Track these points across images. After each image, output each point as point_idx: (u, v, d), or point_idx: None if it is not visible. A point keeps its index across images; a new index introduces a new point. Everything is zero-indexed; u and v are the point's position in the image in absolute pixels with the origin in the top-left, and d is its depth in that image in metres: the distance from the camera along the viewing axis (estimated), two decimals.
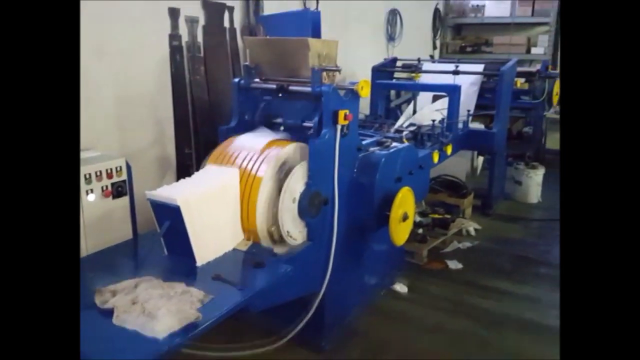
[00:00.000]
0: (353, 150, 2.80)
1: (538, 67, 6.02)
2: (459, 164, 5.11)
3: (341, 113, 2.54)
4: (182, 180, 2.45)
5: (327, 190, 2.61)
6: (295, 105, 2.80)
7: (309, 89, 2.60)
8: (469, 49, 7.95)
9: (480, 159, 5.92)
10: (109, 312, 1.79)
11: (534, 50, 7.45)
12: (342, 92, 2.63)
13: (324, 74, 2.61)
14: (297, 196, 2.52)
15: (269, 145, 2.60)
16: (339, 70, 2.68)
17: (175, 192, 2.24)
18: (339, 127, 2.56)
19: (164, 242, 2.34)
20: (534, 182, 5.44)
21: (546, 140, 6.98)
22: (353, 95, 2.66)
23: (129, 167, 2.59)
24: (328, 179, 2.60)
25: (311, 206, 2.52)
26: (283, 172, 2.52)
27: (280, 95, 2.83)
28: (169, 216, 2.21)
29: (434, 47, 7.71)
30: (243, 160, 2.54)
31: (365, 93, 2.64)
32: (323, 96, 2.54)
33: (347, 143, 2.68)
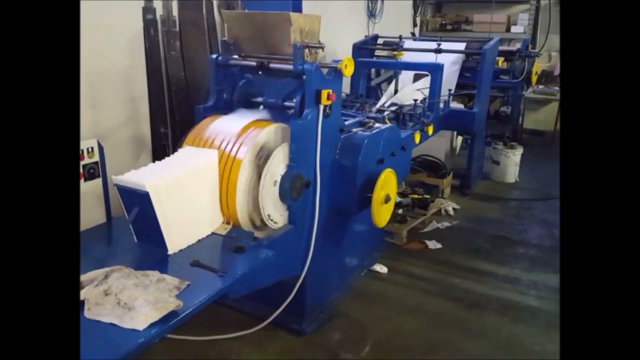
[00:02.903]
0: (335, 131, 2.73)
1: (518, 46, 6.00)
2: (438, 144, 5.10)
3: (324, 92, 2.45)
4: (152, 164, 2.31)
5: (309, 173, 2.54)
6: (276, 83, 2.71)
7: (290, 66, 2.50)
8: (449, 27, 7.86)
9: (460, 138, 5.93)
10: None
11: (513, 29, 7.40)
12: (325, 71, 2.54)
13: (306, 51, 2.52)
14: (278, 179, 2.45)
15: (250, 125, 2.51)
16: (322, 47, 2.57)
17: (145, 176, 2.09)
18: (321, 107, 2.48)
19: (133, 230, 2.22)
20: (511, 162, 5.48)
21: (524, 120, 7.03)
22: (336, 73, 2.57)
23: (101, 148, 2.47)
24: (310, 161, 2.53)
25: (293, 189, 2.45)
26: (264, 154, 2.44)
27: (260, 73, 2.72)
28: (138, 203, 2.07)
29: (414, 25, 7.61)
30: (222, 142, 2.43)
31: (349, 72, 2.55)
32: (305, 74, 2.45)
33: (330, 124, 2.60)
